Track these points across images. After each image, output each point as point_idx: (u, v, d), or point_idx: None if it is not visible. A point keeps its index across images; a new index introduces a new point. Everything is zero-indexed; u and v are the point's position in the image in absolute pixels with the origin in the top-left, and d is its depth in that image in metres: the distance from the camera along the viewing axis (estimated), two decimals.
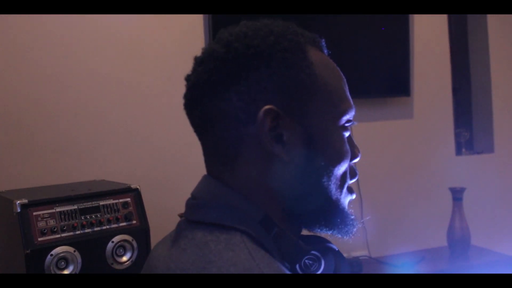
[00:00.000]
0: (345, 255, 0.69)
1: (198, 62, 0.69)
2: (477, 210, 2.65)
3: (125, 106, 2.12)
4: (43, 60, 2.00)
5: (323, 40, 0.71)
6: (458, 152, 2.82)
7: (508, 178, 2.88)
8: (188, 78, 0.70)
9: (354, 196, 0.72)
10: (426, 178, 2.67)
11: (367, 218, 2.29)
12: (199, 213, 0.66)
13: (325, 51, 0.71)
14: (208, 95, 0.66)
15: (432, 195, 2.66)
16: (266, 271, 0.57)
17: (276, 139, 0.64)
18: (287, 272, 0.60)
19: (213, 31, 2.11)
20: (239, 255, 0.58)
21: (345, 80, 0.70)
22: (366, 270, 2.28)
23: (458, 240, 2.43)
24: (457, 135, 2.81)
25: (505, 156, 2.88)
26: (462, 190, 2.43)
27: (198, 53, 0.72)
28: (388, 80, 2.59)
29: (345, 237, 0.70)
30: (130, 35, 2.11)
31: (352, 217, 0.70)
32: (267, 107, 0.63)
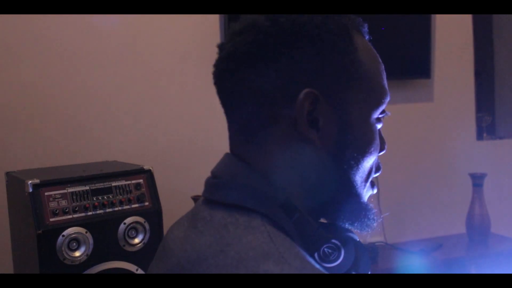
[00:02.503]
0: (360, 240, 0.67)
1: (236, 32, 0.65)
2: (497, 197, 2.60)
3: (139, 87, 2.10)
4: (56, 41, 1.98)
5: (367, 25, 0.69)
6: (479, 137, 2.75)
7: None
8: (222, 47, 0.66)
9: (375, 191, 0.70)
10: (445, 163, 2.62)
11: (386, 214, 2.25)
12: (218, 193, 0.63)
13: (367, 36, 0.69)
14: (244, 68, 0.62)
15: (452, 181, 2.61)
16: (286, 255, 0.54)
17: (311, 123, 0.61)
18: (307, 257, 0.57)
19: (229, 29, 2.08)
20: (259, 239, 0.56)
21: (383, 67, 0.68)
22: (381, 257, 2.25)
23: (477, 227, 2.38)
24: (478, 120, 2.74)
25: None
26: (482, 176, 2.38)
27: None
28: (408, 62, 2.53)
29: (363, 231, 0.69)
30: (145, 27, 2.08)
31: (374, 211, 0.68)
32: (307, 90, 0.60)
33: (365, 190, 0.67)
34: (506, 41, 2.82)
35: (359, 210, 0.66)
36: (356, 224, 0.67)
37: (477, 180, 2.38)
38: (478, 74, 2.76)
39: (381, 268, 2.17)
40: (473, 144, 2.70)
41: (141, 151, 2.06)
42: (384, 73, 0.68)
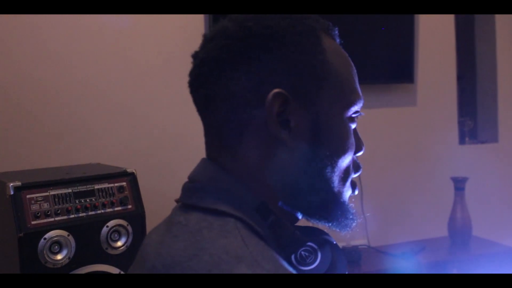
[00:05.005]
0: (343, 244, 0.67)
1: (208, 39, 0.67)
2: (479, 201, 2.63)
3: (123, 88, 2.10)
4: (38, 43, 1.97)
5: (337, 29, 0.70)
6: (462, 141, 2.79)
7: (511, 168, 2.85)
8: (195, 55, 0.68)
9: (356, 192, 0.71)
10: (428, 167, 2.65)
11: (367, 214, 2.27)
12: (194, 197, 0.64)
13: (338, 40, 0.70)
14: (216, 73, 0.64)
15: (434, 184, 2.64)
16: (259, 258, 0.55)
17: (282, 124, 0.62)
18: (281, 260, 0.58)
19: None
20: (232, 242, 0.57)
21: (355, 71, 0.69)
22: (365, 260, 2.27)
23: (459, 230, 2.41)
24: (460, 124, 2.78)
25: (509, 146, 2.85)
26: (464, 179, 2.41)
27: (195, 44, 0.69)
28: (392, 66, 2.55)
29: (343, 231, 0.69)
30: (132, 29, 2.09)
31: (353, 211, 0.69)
32: (276, 90, 0.61)
33: (344, 189, 0.68)
34: (488, 46, 2.86)
35: (336, 209, 0.67)
36: (333, 223, 0.67)
37: (459, 184, 2.41)
38: (460, 79, 2.80)
39: (364, 271, 2.19)
40: (455, 148, 2.73)
41: (125, 153, 2.06)
42: (356, 75, 0.68)
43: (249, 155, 0.63)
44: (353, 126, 0.67)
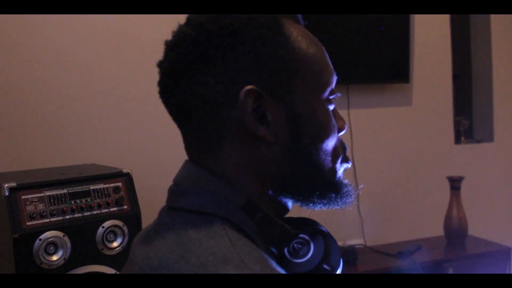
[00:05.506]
0: (340, 243, 0.67)
1: (169, 47, 0.66)
2: (475, 200, 2.64)
3: (118, 89, 2.09)
4: (34, 43, 1.96)
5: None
6: (457, 140, 2.80)
7: (507, 168, 2.86)
8: (160, 65, 0.67)
9: (350, 165, 0.70)
10: (424, 167, 2.65)
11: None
12: (180, 200, 0.64)
13: (301, 22, 0.68)
14: (183, 82, 0.63)
15: (430, 184, 2.64)
16: (247, 260, 0.55)
17: (260, 120, 0.62)
18: (269, 261, 0.58)
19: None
20: (219, 243, 0.56)
21: (323, 48, 0.67)
22: (361, 259, 2.27)
23: (455, 229, 2.42)
24: (456, 123, 2.79)
25: (504, 145, 2.86)
26: (460, 179, 2.41)
27: None
28: (387, 66, 2.56)
29: (342, 207, 0.68)
30: (127, 30, 2.09)
31: (348, 187, 0.68)
32: (247, 88, 0.60)
33: (337, 168, 0.67)
34: (484, 46, 2.87)
35: (330, 191, 0.66)
36: (330, 205, 0.67)
37: (455, 183, 2.42)
38: (456, 78, 2.81)
39: (360, 270, 2.19)
40: (451, 148, 2.74)
41: (121, 154, 2.05)
42: (325, 52, 0.67)
43: (230, 155, 0.63)
44: (331, 107, 0.66)
